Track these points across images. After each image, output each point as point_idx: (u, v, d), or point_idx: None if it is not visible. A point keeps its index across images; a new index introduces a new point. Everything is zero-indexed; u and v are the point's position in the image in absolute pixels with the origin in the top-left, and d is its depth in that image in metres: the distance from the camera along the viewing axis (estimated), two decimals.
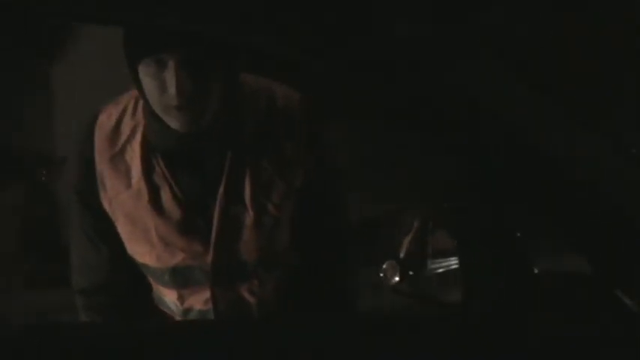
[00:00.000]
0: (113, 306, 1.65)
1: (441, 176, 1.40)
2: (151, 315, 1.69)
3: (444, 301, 1.40)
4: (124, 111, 1.57)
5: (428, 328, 1.36)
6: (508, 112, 1.12)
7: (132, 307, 1.66)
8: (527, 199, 1.16)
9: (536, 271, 1.28)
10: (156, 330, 1.48)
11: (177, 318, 1.66)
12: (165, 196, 1.53)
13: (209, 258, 1.56)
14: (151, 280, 1.65)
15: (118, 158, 1.55)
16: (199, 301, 1.61)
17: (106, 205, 1.58)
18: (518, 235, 1.30)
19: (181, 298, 1.62)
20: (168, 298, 1.64)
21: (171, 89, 1.39)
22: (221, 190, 1.53)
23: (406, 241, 1.41)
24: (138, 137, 1.54)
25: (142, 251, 1.58)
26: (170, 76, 1.39)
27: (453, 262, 1.37)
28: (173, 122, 1.45)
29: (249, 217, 1.54)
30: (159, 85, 1.41)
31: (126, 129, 1.55)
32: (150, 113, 1.48)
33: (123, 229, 1.58)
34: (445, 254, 1.39)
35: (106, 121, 1.57)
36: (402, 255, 1.41)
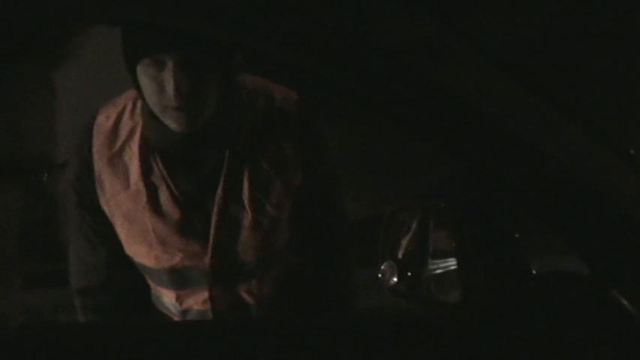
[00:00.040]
0: (111, 306, 1.65)
1: (440, 177, 1.41)
2: (150, 315, 1.70)
3: (443, 302, 1.40)
4: (122, 112, 1.57)
5: (426, 328, 1.36)
6: (506, 113, 1.12)
7: (130, 308, 1.67)
8: (524, 199, 1.16)
9: (534, 271, 1.28)
10: (154, 330, 1.48)
11: (176, 318, 1.66)
12: (164, 196, 1.53)
13: (207, 258, 1.56)
14: (149, 280, 1.65)
15: (116, 159, 1.55)
16: (198, 301, 1.61)
17: (104, 205, 1.58)
18: (517, 235, 1.30)
19: (180, 299, 1.62)
20: (167, 298, 1.65)
21: (170, 90, 1.40)
22: (219, 190, 1.53)
23: (404, 242, 1.41)
24: (136, 138, 1.54)
25: (140, 251, 1.59)
26: (169, 77, 1.39)
27: (452, 263, 1.37)
28: (172, 123, 1.45)
29: (247, 218, 1.55)
30: (157, 86, 1.41)
31: (124, 129, 1.55)
32: (148, 114, 1.48)
33: (121, 230, 1.59)
34: (444, 255, 1.39)
35: (104, 121, 1.57)
36: (400, 256, 1.40)
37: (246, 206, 1.54)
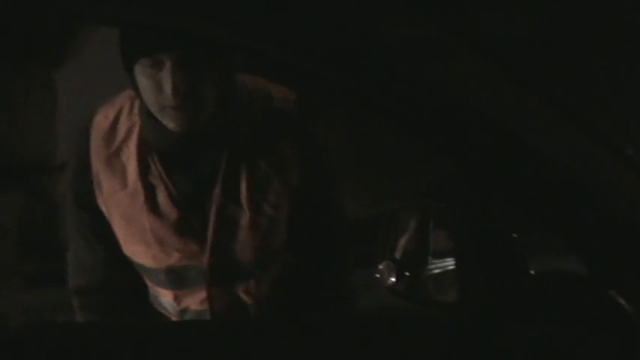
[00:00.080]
0: (109, 306, 1.65)
1: (438, 177, 1.41)
2: (147, 315, 1.69)
3: (441, 302, 1.40)
4: (120, 111, 1.57)
5: (424, 328, 1.36)
6: (504, 113, 1.12)
7: (128, 307, 1.66)
8: (523, 199, 1.16)
9: (532, 271, 1.28)
10: (152, 330, 1.48)
11: (174, 318, 1.66)
12: (162, 196, 1.53)
13: (205, 258, 1.56)
14: (147, 280, 1.65)
15: (114, 158, 1.55)
16: (195, 301, 1.61)
17: (101, 205, 1.58)
18: (515, 235, 1.30)
19: (177, 299, 1.62)
20: (165, 298, 1.64)
21: (168, 89, 1.40)
22: (217, 190, 1.53)
23: (403, 242, 1.41)
24: (134, 137, 1.54)
25: (137, 251, 1.59)
26: (166, 77, 1.39)
27: (450, 263, 1.37)
28: (169, 122, 1.45)
29: (245, 217, 1.54)
30: (155, 86, 1.41)
31: (122, 129, 1.55)
32: (146, 113, 1.48)
33: (119, 229, 1.59)
34: (442, 255, 1.39)
35: (102, 121, 1.57)
36: (398, 256, 1.40)
37: (244, 206, 1.54)
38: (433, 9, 1.08)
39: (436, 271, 1.41)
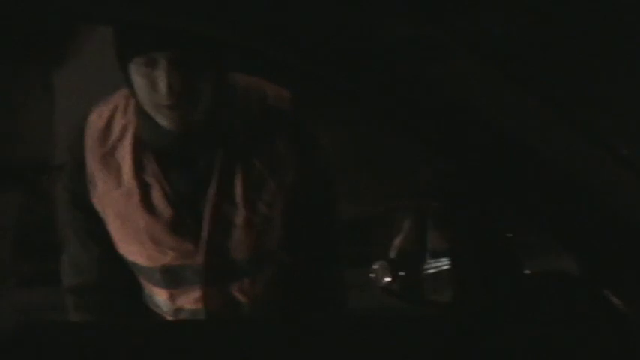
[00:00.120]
0: (103, 305, 1.65)
1: (432, 176, 1.41)
2: (142, 314, 1.69)
3: (436, 302, 1.40)
4: (115, 110, 1.57)
5: (419, 328, 1.36)
6: (498, 113, 1.12)
7: (122, 307, 1.66)
8: (517, 199, 1.16)
9: (526, 271, 1.28)
10: (146, 329, 1.48)
11: (168, 317, 1.66)
12: (156, 194, 1.53)
13: (200, 257, 1.56)
14: (141, 279, 1.65)
15: (108, 157, 1.55)
16: (190, 300, 1.61)
17: (96, 203, 1.58)
18: (509, 235, 1.30)
19: (172, 298, 1.62)
20: (159, 297, 1.64)
21: (163, 88, 1.40)
22: (212, 188, 1.53)
23: (397, 242, 1.41)
24: (129, 136, 1.54)
25: (132, 250, 1.59)
26: (161, 75, 1.39)
27: (445, 263, 1.37)
28: (164, 121, 1.45)
29: (240, 216, 1.54)
30: (150, 84, 1.41)
31: (117, 128, 1.55)
32: (141, 112, 1.48)
33: (113, 228, 1.59)
34: (437, 254, 1.39)
35: (96, 120, 1.57)
36: (392, 255, 1.40)
37: (239, 205, 1.54)
38: (433, 9, 1.08)
39: (431, 270, 1.41)
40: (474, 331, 1.23)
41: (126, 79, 1.45)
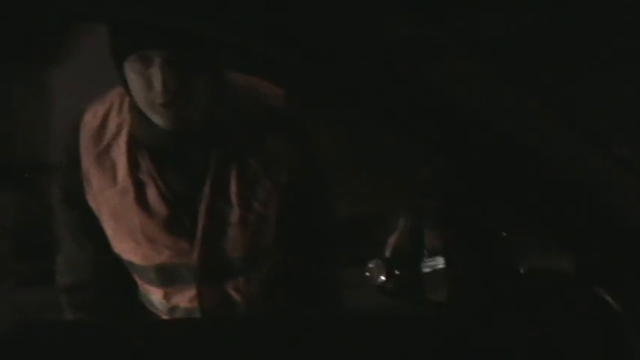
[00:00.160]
0: (98, 304, 1.65)
1: (428, 176, 1.40)
2: (137, 313, 1.69)
3: (431, 301, 1.39)
4: (109, 108, 1.57)
5: (414, 327, 1.36)
6: (498, 113, 1.12)
7: (117, 305, 1.66)
8: (511, 198, 1.16)
9: (520, 270, 1.28)
10: (141, 328, 1.48)
11: (163, 316, 1.66)
12: (151, 193, 1.53)
13: (195, 255, 1.56)
14: (136, 277, 1.65)
15: (103, 155, 1.55)
16: (185, 298, 1.61)
17: (91, 202, 1.58)
18: (504, 234, 1.30)
19: (167, 296, 1.62)
20: (154, 296, 1.64)
21: (157, 86, 1.40)
22: (207, 187, 1.53)
23: (392, 240, 1.41)
24: (124, 134, 1.54)
25: (127, 248, 1.59)
26: (156, 74, 1.39)
27: (440, 262, 1.37)
28: (159, 119, 1.45)
29: (235, 214, 1.54)
30: (145, 82, 1.41)
31: (112, 126, 1.55)
32: (136, 110, 1.48)
33: (108, 227, 1.59)
34: (432, 254, 1.39)
35: (91, 118, 1.57)
36: (387, 254, 1.40)
37: (234, 203, 1.54)
38: (433, 9, 1.08)
39: (427, 270, 1.41)
40: (468, 330, 1.23)
41: (121, 78, 1.45)
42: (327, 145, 1.71)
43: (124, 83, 1.45)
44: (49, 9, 1.10)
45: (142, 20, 1.22)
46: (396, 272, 1.39)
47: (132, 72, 1.42)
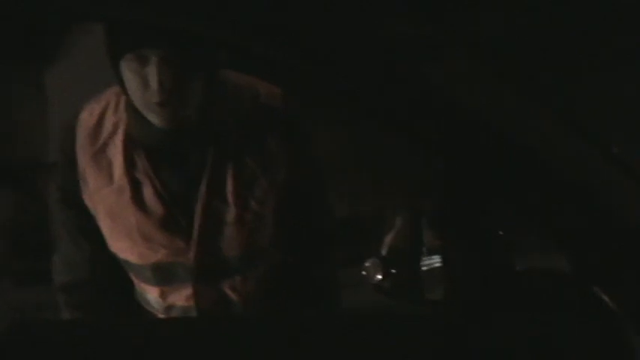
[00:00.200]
0: (95, 303, 1.65)
1: (425, 175, 1.40)
2: (133, 312, 1.69)
3: (428, 300, 1.39)
4: (106, 107, 1.57)
5: (410, 326, 1.36)
6: (494, 112, 1.11)
7: (114, 304, 1.66)
8: (511, 198, 1.15)
9: (517, 269, 1.28)
10: (138, 327, 1.48)
11: (160, 315, 1.66)
12: (148, 192, 1.53)
13: (191, 254, 1.56)
14: (132, 276, 1.65)
15: (100, 154, 1.55)
16: (181, 297, 1.61)
17: (87, 201, 1.58)
18: (500, 233, 1.30)
19: (163, 295, 1.62)
20: (150, 294, 1.64)
21: (154, 85, 1.39)
22: (203, 186, 1.53)
23: (388, 239, 1.41)
24: (120, 133, 1.53)
25: (123, 247, 1.58)
26: (152, 72, 1.39)
27: (436, 261, 1.37)
28: (155, 118, 1.45)
29: (231, 213, 1.54)
30: (141, 81, 1.41)
31: (108, 125, 1.55)
32: (132, 109, 1.48)
33: (105, 226, 1.58)
34: (429, 252, 1.39)
35: (87, 117, 1.57)
36: (384, 253, 1.40)
37: (230, 202, 1.54)
38: (433, 9, 1.08)
39: (423, 268, 1.40)
40: (464, 328, 1.23)
41: (117, 77, 1.45)
42: (327, 145, 1.71)
43: (120, 82, 1.45)
44: (49, 9, 1.09)
45: (141, 20, 1.21)
46: (393, 271, 1.39)
47: (128, 71, 1.42)
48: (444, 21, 1.09)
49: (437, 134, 1.11)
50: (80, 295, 1.65)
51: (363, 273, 1.40)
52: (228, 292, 1.61)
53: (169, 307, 1.63)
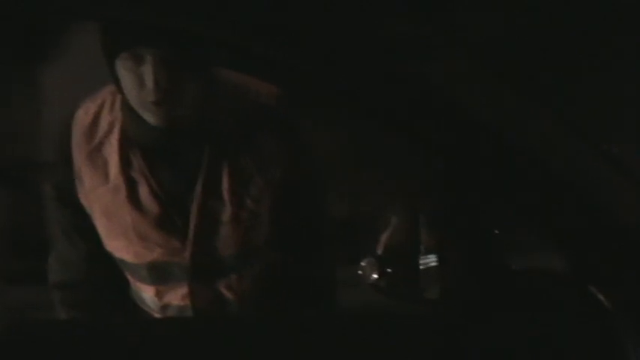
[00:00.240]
0: (90, 302, 1.65)
1: (421, 174, 1.40)
2: (129, 311, 1.69)
3: (423, 299, 1.39)
4: (101, 106, 1.56)
5: (406, 325, 1.35)
6: (494, 112, 1.11)
7: (109, 303, 1.66)
8: (511, 198, 1.15)
9: (512, 268, 1.28)
10: (133, 326, 1.48)
11: (156, 314, 1.66)
12: (143, 191, 1.53)
13: (187, 253, 1.55)
14: (128, 275, 1.64)
15: (95, 153, 1.55)
16: (177, 297, 1.60)
17: (83, 200, 1.58)
18: (496, 232, 1.30)
19: (159, 294, 1.62)
20: (146, 294, 1.64)
21: (149, 84, 1.39)
22: (199, 185, 1.52)
23: (384, 238, 1.40)
24: (116, 132, 1.53)
25: (119, 246, 1.58)
26: (148, 71, 1.38)
27: (433, 260, 1.37)
28: (151, 117, 1.44)
29: (227, 212, 1.54)
30: (136, 80, 1.40)
31: (104, 124, 1.55)
32: (128, 108, 1.48)
33: (100, 225, 1.58)
34: (425, 251, 1.39)
35: (83, 116, 1.56)
36: (380, 252, 1.40)
37: (226, 201, 1.54)
38: (433, 9, 1.08)
39: (420, 267, 1.40)
40: (460, 327, 1.23)
41: (112, 76, 1.44)
42: (327, 145, 1.71)
43: (116, 81, 1.45)
44: (49, 9, 1.09)
45: (141, 20, 1.21)
46: (388, 270, 1.39)
47: (124, 70, 1.41)
48: (444, 21, 1.09)
49: (437, 134, 1.11)
50: (76, 294, 1.65)
51: (359, 272, 1.39)
52: (224, 291, 1.61)
53: (165, 307, 1.63)
